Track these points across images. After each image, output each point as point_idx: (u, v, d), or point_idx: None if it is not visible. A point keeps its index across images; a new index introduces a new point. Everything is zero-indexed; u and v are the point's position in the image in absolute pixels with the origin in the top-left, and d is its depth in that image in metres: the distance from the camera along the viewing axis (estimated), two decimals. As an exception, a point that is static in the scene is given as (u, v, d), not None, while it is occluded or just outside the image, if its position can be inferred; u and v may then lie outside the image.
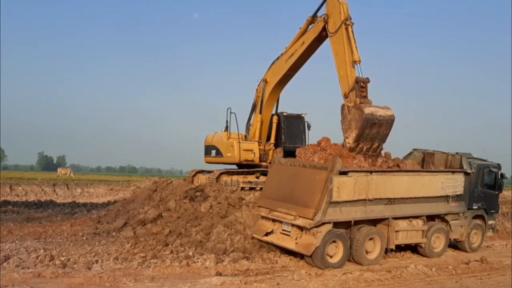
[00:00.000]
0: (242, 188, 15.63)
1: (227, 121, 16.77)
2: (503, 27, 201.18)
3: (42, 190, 29.28)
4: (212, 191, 14.27)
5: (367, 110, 12.03)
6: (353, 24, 12.92)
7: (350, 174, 10.99)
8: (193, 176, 17.05)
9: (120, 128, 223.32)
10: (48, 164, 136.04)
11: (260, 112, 16.75)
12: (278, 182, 11.95)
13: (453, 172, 13.28)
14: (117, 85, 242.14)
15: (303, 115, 16.87)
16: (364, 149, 12.36)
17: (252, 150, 16.46)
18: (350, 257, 11.38)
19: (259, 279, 9.26)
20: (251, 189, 15.72)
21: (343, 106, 12.65)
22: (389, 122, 12.33)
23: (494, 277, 10.76)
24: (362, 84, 12.48)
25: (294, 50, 15.28)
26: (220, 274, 9.65)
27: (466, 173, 13.46)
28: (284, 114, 16.72)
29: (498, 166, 14.68)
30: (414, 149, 14.67)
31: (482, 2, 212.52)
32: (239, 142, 16.26)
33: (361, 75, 12.61)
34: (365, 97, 12.50)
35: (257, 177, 16.02)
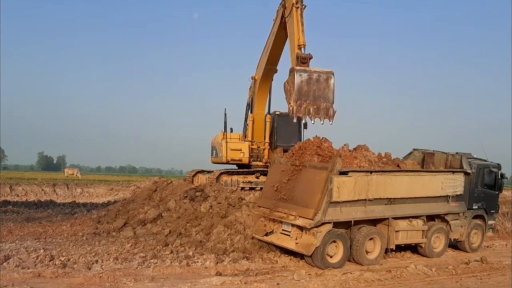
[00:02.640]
0: (242, 188, 15.66)
1: (225, 121, 16.84)
2: (503, 27, 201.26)
3: (42, 190, 29.25)
4: (212, 191, 14.26)
5: (297, 67, 11.90)
6: (304, 7, 12.81)
7: (350, 174, 10.99)
8: (193, 176, 17.07)
9: (120, 128, 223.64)
10: (48, 164, 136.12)
11: (252, 111, 16.74)
12: (278, 182, 11.94)
13: (453, 172, 13.28)
14: (117, 85, 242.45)
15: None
16: (311, 111, 11.87)
17: (240, 150, 16.48)
18: (350, 257, 11.38)
19: (259, 279, 9.25)
20: (251, 189, 15.74)
21: (284, 83, 12.35)
22: (326, 77, 11.85)
23: (494, 277, 10.76)
24: (303, 60, 12.25)
25: (269, 42, 15.34)
26: (220, 274, 9.65)
27: (466, 173, 13.46)
28: (277, 113, 16.64)
29: (498, 166, 14.68)
30: (414, 149, 14.68)
31: (482, 3, 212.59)
32: (226, 142, 16.34)
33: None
34: None
35: (257, 177, 16.03)
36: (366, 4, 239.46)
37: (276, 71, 16.13)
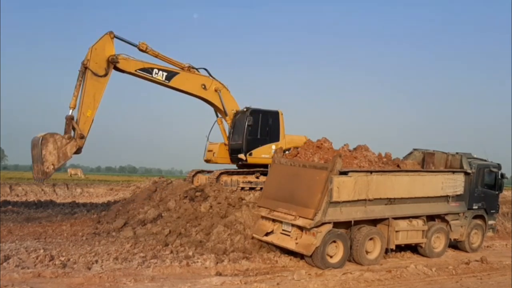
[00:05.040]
0: (242, 188, 15.64)
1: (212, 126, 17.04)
2: (503, 28, 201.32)
3: (42, 190, 29.15)
4: (212, 191, 14.25)
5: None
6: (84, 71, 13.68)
7: (350, 174, 10.99)
8: (193, 176, 17.05)
9: (120, 128, 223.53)
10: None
11: (226, 114, 16.74)
12: (278, 182, 11.95)
13: (453, 172, 13.28)
14: (117, 85, 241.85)
15: (244, 110, 16.47)
16: (35, 172, 13.31)
17: (211, 151, 16.86)
18: (350, 257, 11.38)
19: (259, 279, 9.25)
20: (251, 189, 15.72)
21: None
22: (41, 141, 12.89)
23: (494, 277, 10.77)
24: (66, 121, 13.42)
25: None
26: (220, 274, 9.65)
27: (466, 173, 13.46)
28: (233, 111, 16.63)
29: (498, 166, 14.68)
30: (414, 149, 14.68)
31: (482, 3, 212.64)
32: (206, 143, 16.99)
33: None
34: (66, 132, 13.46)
35: (257, 177, 16.02)
36: (366, 4, 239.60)
37: (205, 88, 16.03)
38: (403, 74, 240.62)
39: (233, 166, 17.05)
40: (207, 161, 17.14)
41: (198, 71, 16.16)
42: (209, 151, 17.07)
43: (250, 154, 15.86)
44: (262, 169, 15.94)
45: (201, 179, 16.65)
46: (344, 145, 12.99)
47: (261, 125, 16.31)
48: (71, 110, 13.46)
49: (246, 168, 16.39)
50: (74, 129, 13.46)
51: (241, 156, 15.91)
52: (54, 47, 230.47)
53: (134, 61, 14.65)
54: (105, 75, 13.96)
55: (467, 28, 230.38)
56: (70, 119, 13.39)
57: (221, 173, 15.80)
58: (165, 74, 15.12)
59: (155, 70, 14.98)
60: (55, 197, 27.17)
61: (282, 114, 16.67)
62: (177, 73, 15.43)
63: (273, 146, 16.10)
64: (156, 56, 15.20)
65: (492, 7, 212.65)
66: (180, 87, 15.60)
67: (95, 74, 13.70)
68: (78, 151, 13.64)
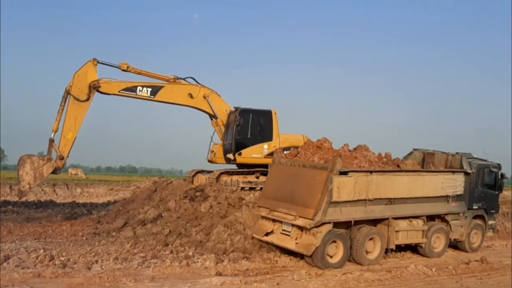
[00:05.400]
0: (242, 188, 15.63)
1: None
2: (503, 28, 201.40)
3: (42, 190, 29.11)
4: (212, 191, 14.25)
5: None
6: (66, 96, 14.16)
7: (350, 174, 10.98)
8: (193, 176, 17.05)
9: (120, 128, 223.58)
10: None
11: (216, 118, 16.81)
12: (278, 182, 11.95)
13: (453, 172, 13.28)
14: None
15: (234, 110, 16.45)
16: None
17: (213, 151, 17.01)
18: (350, 257, 11.38)
19: (259, 279, 9.25)
20: (251, 189, 15.71)
21: None
22: (19, 163, 13.78)
23: (494, 277, 10.77)
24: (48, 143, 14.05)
25: None
26: (220, 274, 9.65)
27: (466, 173, 13.46)
28: (227, 112, 16.59)
29: (498, 166, 14.68)
30: (414, 149, 14.68)
31: (482, 3, 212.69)
32: (211, 143, 17.16)
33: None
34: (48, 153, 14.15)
35: (257, 177, 16.01)
36: (366, 4, 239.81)
37: (192, 96, 16.00)
38: (403, 74, 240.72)
39: (234, 166, 17.06)
40: (210, 161, 17.24)
41: (186, 81, 16.11)
42: (211, 151, 17.18)
43: (240, 154, 15.86)
44: (262, 169, 15.93)
45: (201, 179, 16.65)
46: (344, 145, 12.98)
47: (251, 125, 16.24)
48: (53, 133, 13.96)
49: (246, 168, 16.38)
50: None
51: (230, 156, 15.94)
52: (54, 47, 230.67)
53: (116, 83, 14.75)
54: (87, 99, 14.26)
55: (467, 28, 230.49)
56: (51, 141, 13.98)
57: (221, 173, 15.80)
58: (149, 90, 15.16)
59: (139, 88, 15.05)
60: (55, 197, 27.15)
61: (275, 113, 16.54)
62: (162, 86, 15.41)
63: (265, 146, 16.12)
64: (139, 74, 15.26)
65: (492, 7, 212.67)
66: (166, 100, 15.63)
67: (77, 99, 14.06)
68: (55, 171, 14.16)
